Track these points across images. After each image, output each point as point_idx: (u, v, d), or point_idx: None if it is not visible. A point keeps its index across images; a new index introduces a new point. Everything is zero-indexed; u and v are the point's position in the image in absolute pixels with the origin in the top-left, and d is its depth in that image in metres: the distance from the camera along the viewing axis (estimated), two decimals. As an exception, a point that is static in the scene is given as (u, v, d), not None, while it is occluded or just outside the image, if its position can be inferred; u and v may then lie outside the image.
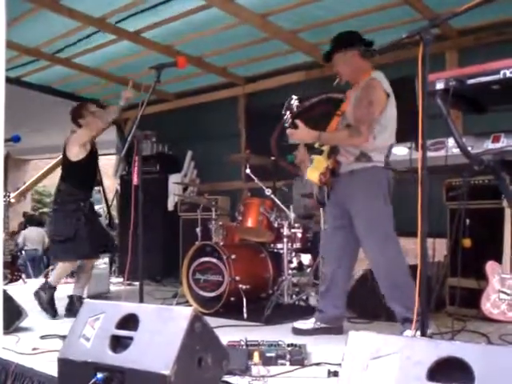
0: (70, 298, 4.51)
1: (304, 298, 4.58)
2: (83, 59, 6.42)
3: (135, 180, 3.20)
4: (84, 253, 4.42)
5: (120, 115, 4.79)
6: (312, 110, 6.35)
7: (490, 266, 3.69)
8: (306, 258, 5.15)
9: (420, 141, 2.01)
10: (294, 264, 4.82)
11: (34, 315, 3.98)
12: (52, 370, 2.46)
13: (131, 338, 2.18)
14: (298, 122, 3.47)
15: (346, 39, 3.64)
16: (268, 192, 4.54)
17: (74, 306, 4.36)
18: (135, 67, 6.39)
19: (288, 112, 3.52)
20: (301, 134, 3.49)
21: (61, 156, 4.76)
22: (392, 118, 3.52)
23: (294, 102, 3.53)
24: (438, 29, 4.93)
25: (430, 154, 2.17)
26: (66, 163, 4.59)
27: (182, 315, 2.13)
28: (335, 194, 3.65)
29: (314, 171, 3.61)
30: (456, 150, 2.17)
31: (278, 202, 4.57)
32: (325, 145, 3.62)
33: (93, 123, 4.52)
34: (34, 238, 10.58)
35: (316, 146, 3.64)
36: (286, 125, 3.52)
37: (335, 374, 2.43)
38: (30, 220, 11.48)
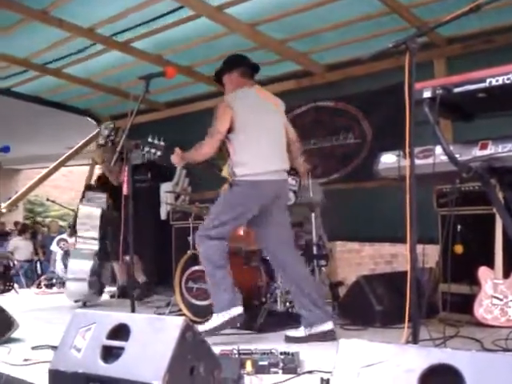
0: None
1: (297, 305, 4.57)
2: (73, 69, 6.42)
3: (125, 189, 3.20)
4: None
5: None
6: (302, 118, 6.39)
7: (483, 272, 3.70)
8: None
9: (407, 149, 2.03)
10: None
11: (25, 326, 3.95)
12: (43, 381, 2.44)
13: (122, 348, 2.17)
14: (176, 149, 3.77)
15: (230, 62, 3.98)
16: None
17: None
18: (125, 77, 6.40)
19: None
20: (175, 158, 3.77)
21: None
22: (253, 136, 3.66)
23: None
24: (426, 37, 4.97)
25: (418, 161, 2.19)
26: None
27: (173, 325, 2.13)
28: None
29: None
30: (444, 158, 2.19)
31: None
32: (188, 161, 3.93)
33: None
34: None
35: None
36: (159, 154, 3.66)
37: (328, 382, 2.42)
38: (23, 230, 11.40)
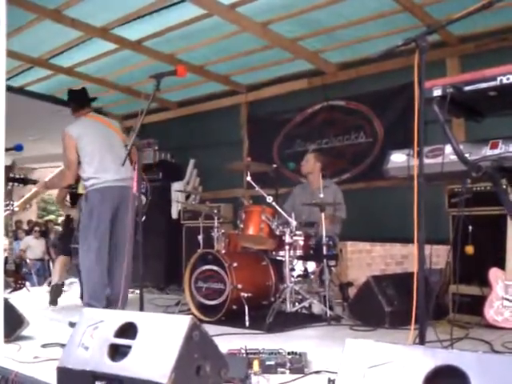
0: None
1: (306, 305, 4.56)
2: (85, 68, 6.46)
3: (135, 188, 3.20)
4: None
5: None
6: (314, 117, 6.38)
7: (494, 273, 3.67)
8: (310, 266, 5.13)
9: (416, 148, 2.01)
10: (297, 272, 4.79)
11: (35, 324, 3.98)
12: (53, 378, 2.44)
13: (130, 347, 2.17)
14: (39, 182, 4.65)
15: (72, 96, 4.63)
16: (269, 199, 4.53)
17: None
18: (137, 76, 6.43)
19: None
20: (39, 186, 4.62)
21: None
22: (95, 155, 4.24)
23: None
24: (438, 36, 4.94)
25: (427, 160, 2.17)
26: None
27: (180, 323, 2.13)
28: None
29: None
30: (454, 157, 2.16)
31: (280, 209, 4.56)
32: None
33: None
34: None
35: None
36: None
37: (334, 382, 2.41)
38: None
